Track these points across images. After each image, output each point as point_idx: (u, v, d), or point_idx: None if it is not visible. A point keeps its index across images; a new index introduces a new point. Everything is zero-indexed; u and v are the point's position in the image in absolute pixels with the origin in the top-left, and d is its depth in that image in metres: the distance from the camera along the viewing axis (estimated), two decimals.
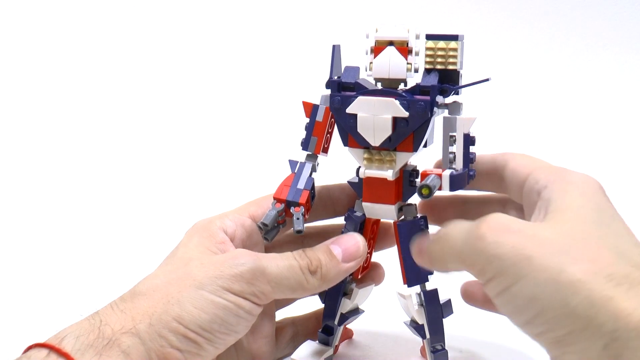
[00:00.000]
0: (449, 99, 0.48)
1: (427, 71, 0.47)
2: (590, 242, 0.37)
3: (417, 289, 0.50)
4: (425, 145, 0.48)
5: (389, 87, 0.48)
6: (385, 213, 0.49)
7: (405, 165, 0.49)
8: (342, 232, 0.51)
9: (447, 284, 0.52)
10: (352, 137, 0.48)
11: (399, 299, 0.52)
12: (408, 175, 0.49)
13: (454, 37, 0.47)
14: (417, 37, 0.47)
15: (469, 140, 0.47)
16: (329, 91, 0.49)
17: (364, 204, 0.49)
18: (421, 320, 0.50)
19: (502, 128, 1.17)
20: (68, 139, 1.15)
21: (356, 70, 0.49)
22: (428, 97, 0.46)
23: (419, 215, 0.50)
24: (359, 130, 0.47)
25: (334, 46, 0.50)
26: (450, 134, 0.47)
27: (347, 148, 0.49)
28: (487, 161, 0.50)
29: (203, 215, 0.51)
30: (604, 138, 1.23)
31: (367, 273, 0.54)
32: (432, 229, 0.49)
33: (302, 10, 1.42)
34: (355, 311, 0.54)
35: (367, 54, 0.48)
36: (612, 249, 0.37)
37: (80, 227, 0.84)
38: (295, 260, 0.46)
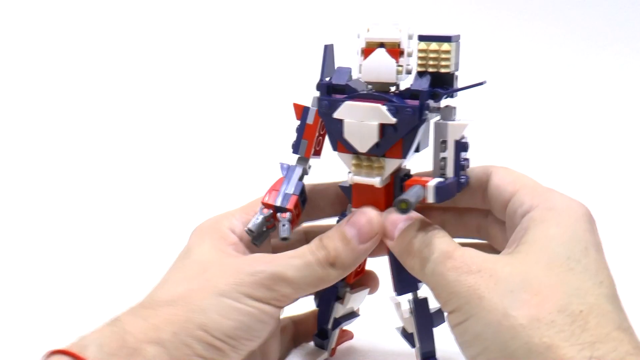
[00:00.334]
0: (443, 103, 0.47)
1: (420, 74, 0.45)
2: (544, 283, 0.38)
3: (409, 295, 0.49)
4: (417, 150, 0.47)
5: (380, 90, 0.46)
6: None
7: (399, 170, 0.48)
8: None
9: None
10: (341, 143, 0.47)
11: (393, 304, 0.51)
12: (399, 181, 0.47)
13: (447, 39, 0.45)
14: (410, 37, 0.45)
15: (460, 147, 0.45)
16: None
17: (353, 209, 0.48)
18: (411, 328, 0.49)
19: (499, 132, 1.15)
20: (68, 144, 1.14)
21: (348, 71, 0.47)
22: (417, 102, 0.44)
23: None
24: (345, 136, 0.46)
25: (325, 46, 0.48)
26: (442, 139, 0.45)
27: (336, 153, 0.48)
28: (470, 176, 0.48)
29: (206, 214, 0.50)
30: (602, 141, 1.21)
31: (361, 278, 0.53)
32: None
33: (297, 9, 1.40)
34: (350, 315, 0.54)
35: (358, 55, 0.46)
36: (567, 290, 0.37)
37: (86, 225, 0.85)
38: (311, 255, 0.45)
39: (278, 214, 0.48)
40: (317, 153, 0.50)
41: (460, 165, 0.45)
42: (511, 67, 1.38)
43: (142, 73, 1.31)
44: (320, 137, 0.49)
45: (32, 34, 1.30)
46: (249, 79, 1.32)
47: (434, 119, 0.47)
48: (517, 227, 0.43)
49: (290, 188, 0.48)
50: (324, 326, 0.53)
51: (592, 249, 0.40)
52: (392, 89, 0.46)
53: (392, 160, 0.46)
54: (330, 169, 0.50)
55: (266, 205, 0.48)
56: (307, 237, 0.53)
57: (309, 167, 0.50)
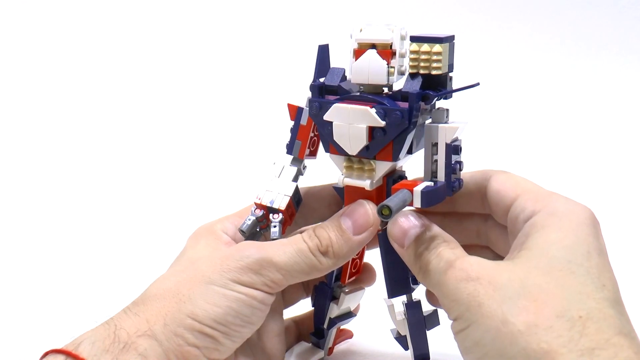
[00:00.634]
0: (437, 104, 0.46)
1: (412, 75, 0.45)
2: (543, 288, 0.37)
3: (403, 297, 0.49)
4: (410, 152, 0.46)
5: (372, 92, 0.45)
6: None
7: (393, 172, 0.47)
8: None
9: None
10: (332, 145, 0.46)
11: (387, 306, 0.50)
12: (392, 183, 0.47)
13: (439, 40, 0.44)
14: (403, 38, 0.45)
15: (451, 150, 0.44)
16: None
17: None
18: (404, 331, 0.49)
19: (496, 134, 1.14)
20: (64, 147, 1.14)
21: (341, 72, 0.47)
22: (407, 105, 0.44)
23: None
24: (334, 138, 0.45)
25: (320, 46, 0.48)
26: (433, 142, 0.45)
27: (328, 154, 0.47)
28: (467, 180, 0.47)
29: (205, 219, 0.51)
30: (601, 143, 1.18)
31: (358, 277, 0.53)
32: None
33: (294, 8, 1.39)
34: (347, 315, 0.53)
35: (350, 56, 0.46)
36: (567, 295, 0.37)
37: (87, 232, 0.85)
38: (304, 242, 0.45)
39: (270, 215, 0.48)
40: (313, 154, 0.50)
41: (452, 169, 0.45)
42: (508, 68, 1.37)
43: (139, 77, 1.31)
44: (315, 138, 0.49)
45: (32, 35, 1.31)
46: (248, 79, 1.32)
47: (428, 121, 0.46)
48: (519, 233, 0.42)
49: (284, 189, 0.48)
50: (320, 326, 0.53)
51: (595, 252, 0.39)
52: (385, 90, 0.46)
53: (383, 162, 0.45)
54: (327, 170, 0.50)
55: (258, 206, 0.48)
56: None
57: (304, 167, 0.50)
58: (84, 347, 0.41)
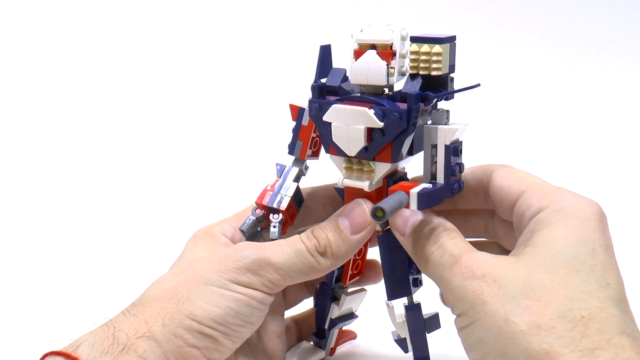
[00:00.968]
0: (439, 105, 0.45)
1: (412, 76, 0.44)
2: (547, 287, 0.37)
3: (404, 300, 0.48)
4: (411, 154, 0.46)
5: (372, 93, 0.45)
6: None
7: (394, 173, 0.47)
8: None
9: (437, 297, 0.49)
10: (332, 145, 0.46)
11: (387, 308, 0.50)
12: (392, 185, 0.46)
13: (439, 40, 0.43)
14: (404, 38, 0.44)
15: (450, 151, 0.44)
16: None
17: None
18: (404, 333, 0.48)
19: (497, 135, 1.13)
20: (62, 149, 1.14)
21: (343, 72, 0.47)
22: (406, 106, 0.43)
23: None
24: (333, 139, 0.45)
25: (321, 47, 0.48)
26: (432, 144, 0.44)
27: (328, 155, 0.47)
28: (469, 176, 0.46)
29: (204, 222, 0.51)
30: (601, 143, 1.17)
31: (361, 276, 0.52)
32: None
33: (297, 8, 1.39)
34: (348, 316, 0.53)
35: (350, 56, 0.46)
36: (570, 294, 0.37)
37: (86, 234, 0.85)
38: (302, 243, 0.45)
39: (270, 215, 0.48)
40: (315, 154, 0.50)
41: (452, 170, 0.44)
42: (509, 69, 1.36)
43: (140, 78, 1.31)
44: (317, 139, 0.49)
45: (32, 35, 1.32)
46: (249, 81, 1.31)
47: (428, 122, 0.46)
48: (525, 229, 0.42)
49: (284, 189, 0.48)
50: (321, 326, 0.52)
51: (600, 249, 0.39)
52: (386, 91, 0.45)
53: (382, 164, 0.45)
54: (328, 170, 0.50)
55: (259, 206, 0.48)
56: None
57: (306, 168, 0.50)
58: (83, 349, 0.42)
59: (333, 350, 0.54)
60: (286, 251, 0.45)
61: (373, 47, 0.44)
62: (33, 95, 1.27)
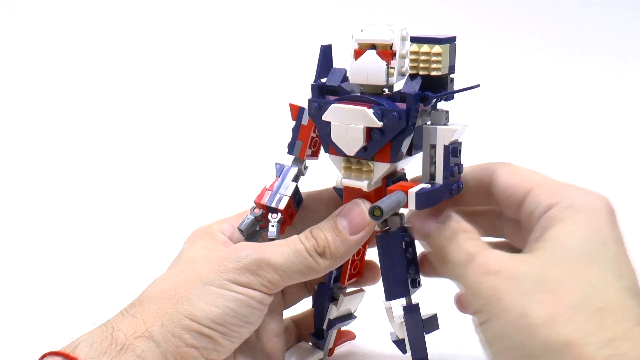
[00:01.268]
0: (439, 106, 0.45)
1: (411, 76, 0.44)
2: (561, 280, 0.38)
3: (402, 301, 0.48)
4: (410, 154, 0.46)
5: (372, 93, 0.45)
6: None
7: (394, 173, 0.47)
8: None
9: (436, 298, 0.49)
10: (331, 145, 0.46)
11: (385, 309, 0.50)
12: (391, 184, 0.46)
13: (439, 41, 0.43)
14: (404, 39, 0.44)
15: (449, 152, 0.44)
16: None
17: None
18: (402, 334, 0.48)
19: (497, 136, 1.13)
20: (61, 150, 1.14)
21: (343, 72, 0.47)
22: (405, 106, 0.43)
23: (406, 225, 0.47)
24: (332, 139, 0.45)
25: (322, 46, 0.48)
26: (431, 144, 0.44)
27: (327, 155, 0.47)
28: (469, 176, 0.46)
29: (203, 221, 0.51)
30: (601, 143, 1.17)
31: (359, 277, 0.52)
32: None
33: (297, 8, 1.39)
34: (347, 317, 0.53)
35: (350, 56, 0.46)
36: (585, 286, 0.37)
37: (85, 234, 0.85)
38: (301, 244, 0.45)
39: (269, 215, 0.48)
40: (315, 154, 0.50)
41: (451, 171, 0.44)
42: (509, 69, 1.37)
43: (139, 78, 1.31)
44: (316, 139, 0.49)
45: (33, 35, 1.32)
46: (249, 80, 1.31)
47: (427, 123, 0.46)
48: (536, 226, 0.42)
49: (283, 189, 0.48)
50: (320, 326, 0.52)
51: (612, 242, 0.39)
52: (386, 91, 0.45)
53: (381, 164, 0.45)
54: (328, 171, 0.50)
55: (258, 205, 0.48)
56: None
57: (305, 168, 0.50)
58: (81, 349, 0.42)
59: (332, 350, 0.54)
60: (285, 251, 0.45)
61: (373, 47, 0.44)
62: (33, 96, 1.27)
